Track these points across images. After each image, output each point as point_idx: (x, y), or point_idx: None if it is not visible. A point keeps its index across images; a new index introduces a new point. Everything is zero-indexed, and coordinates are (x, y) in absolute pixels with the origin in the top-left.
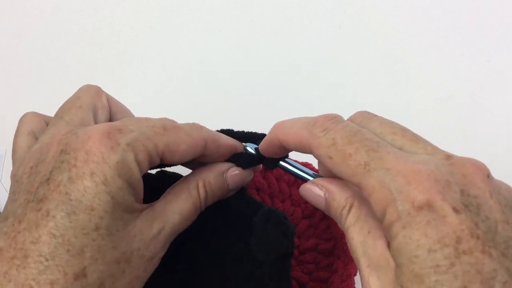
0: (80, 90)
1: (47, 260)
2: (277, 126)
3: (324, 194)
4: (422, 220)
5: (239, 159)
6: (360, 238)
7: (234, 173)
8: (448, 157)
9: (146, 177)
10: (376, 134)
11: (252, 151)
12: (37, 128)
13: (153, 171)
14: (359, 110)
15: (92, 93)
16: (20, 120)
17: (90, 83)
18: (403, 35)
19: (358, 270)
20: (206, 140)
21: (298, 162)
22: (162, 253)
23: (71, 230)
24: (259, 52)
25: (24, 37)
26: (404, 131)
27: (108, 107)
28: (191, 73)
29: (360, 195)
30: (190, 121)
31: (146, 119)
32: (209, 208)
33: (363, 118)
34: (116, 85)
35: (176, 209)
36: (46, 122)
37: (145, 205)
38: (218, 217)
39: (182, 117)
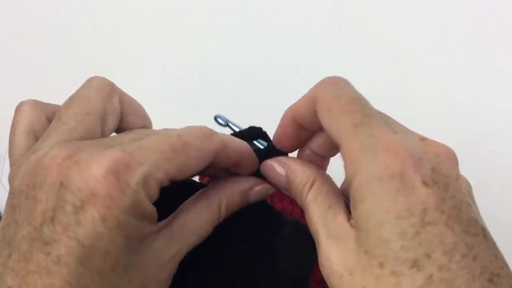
0: (90, 87)
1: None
2: (287, 108)
3: (286, 172)
4: (392, 187)
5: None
6: (321, 211)
7: (258, 190)
8: (423, 139)
9: None
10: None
11: (261, 146)
12: (37, 126)
13: None
14: None
15: (104, 95)
16: (17, 113)
17: (103, 76)
18: (403, 35)
19: (316, 244)
20: (216, 151)
21: None
22: (175, 272)
23: (87, 276)
24: (259, 52)
25: (24, 37)
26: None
27: (119, 110)
28: (191, 73)
29: (322, 174)
30: (190, 122)
31: (153, 139)
32: (227, 221)
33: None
34: (115, 85)
35: (195, 230)
36: (47, 117)
37: (161, 224)
38: (238, 229)
39: (182, 117)
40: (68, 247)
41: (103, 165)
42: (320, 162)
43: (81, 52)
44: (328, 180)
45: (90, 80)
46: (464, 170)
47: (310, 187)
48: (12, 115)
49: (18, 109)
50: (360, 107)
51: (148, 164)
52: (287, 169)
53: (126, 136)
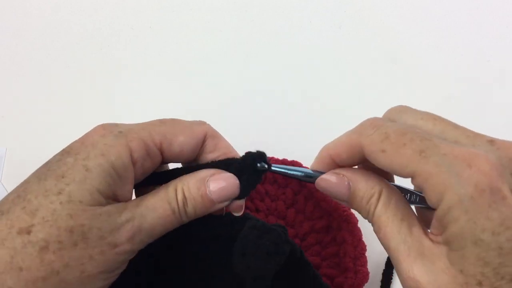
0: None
1: (2, 213)
2: (325, 147)
3: (348, 183)
4: (484, 203)
5: (231, 167)
6: (395, 226)
7: (215, 180)
8: (491, 141)
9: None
10: (417, 121)
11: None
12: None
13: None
14: (358, 109)
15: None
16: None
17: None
18: (403, 35)
19: (393, 260)
20: (206, 134)
21: (287, 163)
22: (128, 247)
23: (33, 193)
24: (259, 52)
25: (24, 37)
26: (442, 118)
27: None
28: (191, 73)
29: (387, 185)
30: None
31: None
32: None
33: (398, 112)
34: (116, 85)
35: (150, 204)
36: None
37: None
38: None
39: (182, 117)
40: (36, 172)
41: (98, 125)
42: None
43: (81, 52)
44: (394, 190)
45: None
46: None
47: (378, 199)
48: (12, 115)
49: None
50: (413, 134)
51: (135, 124)
52: (348, 181)
53: None
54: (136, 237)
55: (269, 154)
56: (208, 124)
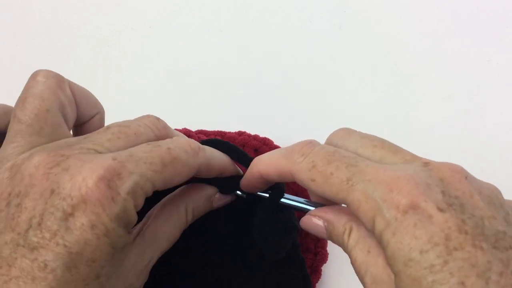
0: (37, 83)
1: None
2: (256, 161)
3: (323, 224)
4: (409, 223)
5: (232, 187)
6: (362, 258)
7: (219, 198)
8: (426, 163)
9: None
10: (357, 149)
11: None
12: None
13: None
14: (359, 110)
15: (54, 87)
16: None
17: (48, 69)
18: (403, 35)
19: None
20: (200, 167)
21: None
22: (147, 279)
23: (72, 283)
24: (259, 52)
25: (24, 37)
26: (383, 143)
27: (73, 100)
28: (191, 73)
29: (356, 218)
30: (190, 121)
31: (143, 148)
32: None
33: (341, 136)
34: (116, 85)
35: (165, 236)
36: (4, 109)
37: (135, 232)
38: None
39: (182, 117)
40: (55, 253)
41: (96, 172)
42: None
43: (81, 52)
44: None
45: (35, 74)
46: None
47: (349, 235)
48: None
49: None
50: (339, 162)
51: (138, 175)
52: (323, 222)
53: (103, 137)
54: (151, 267)
55: None
56: (202, 149)
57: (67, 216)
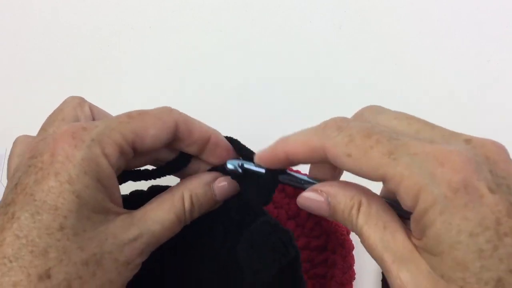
0: (63, 102)
1: (10, 261)
2: (281, 141)
3: (326, 199)
4: (460, 203)
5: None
6: (378, 234)
7: (221, 184)
8: (468, 140)
9: (138, 194)
10: (391, 121)
11: (238, 169)
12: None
13: (145, 187)
14: (359, 110)
15: (74, 104)
16: (13, 144)
17: (75, 95)
18: (403, 35)
19: (382, 269)
20: (177, 122)
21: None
22: (140, 260)
23: (35, 231)
24: (259, 52)
25: (24, 37)
26: (417, 118)
27: (91, 116)
28: (191, 73)
29: (367, 193)
30: None
31: (113, 115)
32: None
33: (374, 110)
34: (116, 85)
35: (157, 218)
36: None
37: (123, 210)
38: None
39: None
40: (22, 203)
41: (64, 130)
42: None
43: (81, 52)
44: (374, 197)
45: (65, 99)
46: None
47: (358, 210)
48: (12, 115)
49: (14, 143)
50: (379, 135)
51: (103, 126)
52: (326, 196)
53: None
54: (145, 251)
55: None
56: (176, 110)
57: (38, 170)
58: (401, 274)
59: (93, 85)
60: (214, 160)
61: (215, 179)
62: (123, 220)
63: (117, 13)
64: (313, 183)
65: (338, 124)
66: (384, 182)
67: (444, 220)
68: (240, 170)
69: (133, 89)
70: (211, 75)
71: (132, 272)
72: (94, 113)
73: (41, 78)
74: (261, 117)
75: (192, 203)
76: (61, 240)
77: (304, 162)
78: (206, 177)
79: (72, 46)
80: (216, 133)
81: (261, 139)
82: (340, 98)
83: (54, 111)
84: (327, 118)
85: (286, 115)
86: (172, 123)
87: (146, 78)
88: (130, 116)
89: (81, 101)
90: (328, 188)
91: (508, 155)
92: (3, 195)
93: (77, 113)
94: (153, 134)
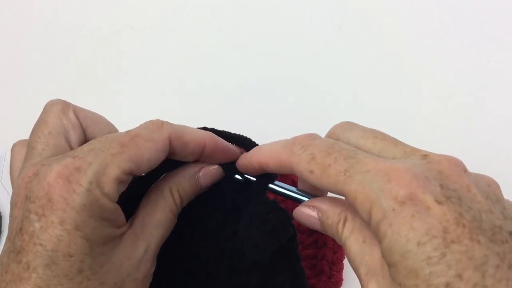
0: (44, 111)
1: None
2: (256, 151)
3: (317, 214)
4: (407, 215)
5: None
6: (356, 248)
7: (205, 173)
8: (425, 156)
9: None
10: (358, 140)
11: (239, 178)
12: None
13: None
14: (359, 110)
15: (57, 112)
16: (11, 155)
17: (58, 98)
18: (403, 35)
19: (359, 280)
20: (170, 138)
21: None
22: (153, 269)
23: (54, 279)
24: (259, 52)
25: (24, 37)
26: (384, 136)
27: (78, 123)
28: (191, 73)
29: (352, 208)
30: (190, 121)
31: (103, 140)
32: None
33: (344, 128)
34: (116, 85)
35: (157, 222)
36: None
37: (124, 226)
38: (216, 211)
39: (181, 117)
40: (34, 253)
41: (56, 172)
42: None
43: (81, 52)
44: (357, 213)
45: (45, 105)
46: None
47: (344, 225)
48: (12, 115)
49: (11, 152)
50: (338, 154)
51: (97, 163)
52: (317, 212)
53: (85, 145)
54: (155, 256)
55: None
56: (167, 123)
57: (40, 217)
58: (370, 285)
59: (93, 85)
60: (213, 163)
61: (199, 169)
62: (129, 239)
63: (117, 13)
64: (299, 196)
65: (304, 141)
66: (344, 198)
67: (394, 231)
68: (241, 178)
69: (133, 89)
70: (211, 75)
71: (149, 282)
72: (80, 118)
73: (41, 78)
74: (261, 117)
75: (180, 196)
76: (82, 282)
77: (276, 172)
78: (191, 169)
79: (72, 46)
80: (212, 138)
81: (261, 139)
82: (340, 98)
83: (37, 123)
84: (327, 118)
85: (286, 115)
86: (165, 141)
87: (146, 78)
88: (122, 144)
89: (63, 107)
90: (318, 204)
91: (463, 169)
92: (8, 235)
93: (63, 123)
94: (148, 157)
